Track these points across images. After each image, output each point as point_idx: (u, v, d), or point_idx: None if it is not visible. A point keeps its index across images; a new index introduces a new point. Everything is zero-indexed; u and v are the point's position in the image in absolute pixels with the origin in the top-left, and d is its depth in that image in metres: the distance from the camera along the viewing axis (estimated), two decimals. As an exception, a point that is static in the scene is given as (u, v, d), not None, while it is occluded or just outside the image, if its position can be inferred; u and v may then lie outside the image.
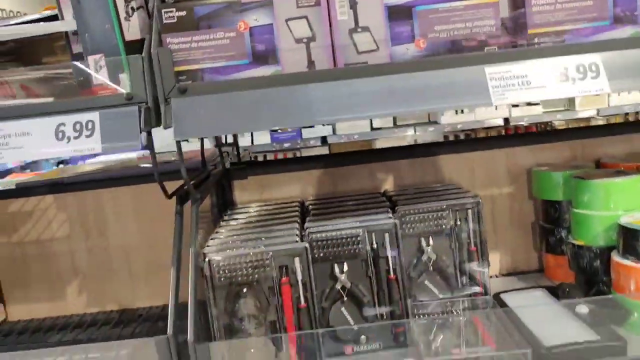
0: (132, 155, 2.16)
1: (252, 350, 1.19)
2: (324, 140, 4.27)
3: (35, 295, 1.76)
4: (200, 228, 1.43)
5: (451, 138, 4.27)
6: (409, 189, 1.67)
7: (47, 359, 1.31)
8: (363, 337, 1.33)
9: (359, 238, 1.34)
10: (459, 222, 1.45)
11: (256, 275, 1.24)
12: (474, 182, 1.72)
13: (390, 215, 1.40)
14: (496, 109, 4.19)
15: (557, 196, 1.58)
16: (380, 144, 4.25)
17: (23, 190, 1.76)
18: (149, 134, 1.12)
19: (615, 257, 1.32)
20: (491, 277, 1.69)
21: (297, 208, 1.57)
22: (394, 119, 4.31)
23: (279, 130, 4.29)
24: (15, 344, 1.62)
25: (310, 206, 1.57)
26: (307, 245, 1.23)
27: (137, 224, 1.75)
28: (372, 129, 4.29)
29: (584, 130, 1.75)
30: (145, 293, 1.77)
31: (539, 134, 1.73)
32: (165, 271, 1.71)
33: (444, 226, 1.44)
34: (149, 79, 1.09)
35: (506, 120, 4.18)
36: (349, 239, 1.34)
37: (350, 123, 4.29)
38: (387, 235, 1.35)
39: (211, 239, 1.37)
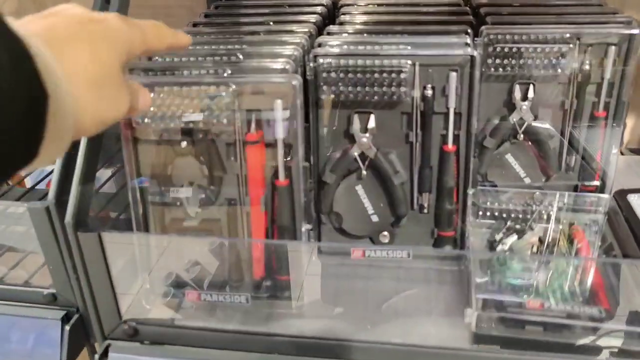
0: None
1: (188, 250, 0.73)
2: None
3: None
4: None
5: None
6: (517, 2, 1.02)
7: None
8: (385, 233, 0.83)
9: (402, 75, 0.76)
10: (587, 66, 0.82)
11: (204, 124, 0.71)
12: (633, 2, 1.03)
13: (468, 40, 0.80)
14: None
15: None
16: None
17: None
18: None
19: None
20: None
21: (319, 12, 0.97)
22: None
23: None
24: None
25: (343, 10, 0.97)
26: (298, 80, 0.68)
27: None
28: None
29: None
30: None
31: None
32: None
33: (559, 69, 0.83)
34: None
35: None
36: (384, 75, 0.76)
37: None
38: (453, 75, 0.77)
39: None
